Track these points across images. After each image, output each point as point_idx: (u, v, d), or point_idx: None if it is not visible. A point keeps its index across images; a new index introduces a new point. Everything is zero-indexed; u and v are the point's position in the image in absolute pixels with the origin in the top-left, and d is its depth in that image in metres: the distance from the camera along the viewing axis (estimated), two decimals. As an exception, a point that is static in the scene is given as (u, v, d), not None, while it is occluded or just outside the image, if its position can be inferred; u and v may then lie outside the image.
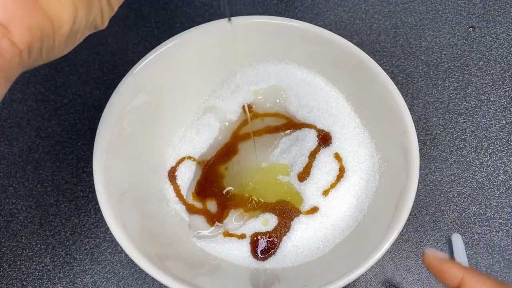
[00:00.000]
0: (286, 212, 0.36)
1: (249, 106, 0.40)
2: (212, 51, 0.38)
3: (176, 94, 0.38)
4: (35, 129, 0.42)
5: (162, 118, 0.38)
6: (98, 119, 0.33)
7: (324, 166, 0.37)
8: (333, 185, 0.36)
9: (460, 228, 0.38)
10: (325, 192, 0.36)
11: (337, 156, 0.37)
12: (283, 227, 0.35)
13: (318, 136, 0.38)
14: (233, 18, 0.38)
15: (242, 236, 0.36)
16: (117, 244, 0.38)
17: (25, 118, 0.43)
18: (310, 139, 0.38)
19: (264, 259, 0.35)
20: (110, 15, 0.27)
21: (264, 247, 0.35)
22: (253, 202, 0.37)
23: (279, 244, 0.35)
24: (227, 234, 0.36)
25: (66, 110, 0.43)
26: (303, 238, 0.35)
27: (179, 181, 0.37)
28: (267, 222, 0.36)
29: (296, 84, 0.40)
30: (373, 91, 0.36)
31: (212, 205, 0.37)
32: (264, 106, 0.40)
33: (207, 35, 0.37)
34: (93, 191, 0.38)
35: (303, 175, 0.37)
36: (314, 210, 0.36)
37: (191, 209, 0.36)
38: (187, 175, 0.38)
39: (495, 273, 0.37)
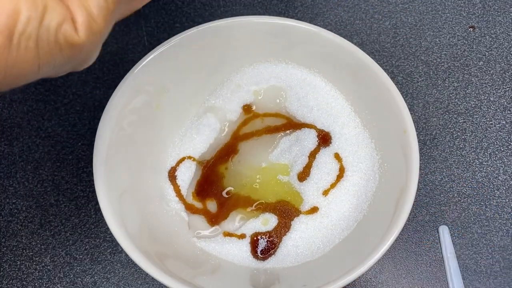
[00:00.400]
0: (286, 212, 0.36)
1: (249, 106, 0.40)
2: (212, 51, 0.38)
3: (176, 94, 0.38)
4: (35, 129, 0.42)
5: (162, 118, 0.38)
6: (98, 119, 0.33)
7: (324, 166, 0.37)
8: (333, 185, 0.36)
9: (460, 228, 0.38)
10: (325, 192, 0.36)
11: (337, 156, 0.37)
12: (283, 227, 0.35)
13: (318, 136, 0.38)
14: (233, 18, 0.38)
15: (242, 236, 0.36)
16: (117, 244, 0.38)
17: (25, 118, 0.43)
18: (310, 139, 0.38)
19: (264, 259, 0.35)
20: (93, 25, 0.20)
21: (264, 247, 0.35)
22: (253, 202, 0.37)
23: (279, 244, 0.35)
24: (227, 234, 0.36)
25: (66, 110, 0.43)
26: (303, 238, 0.35)
27: (179, 181, 0.37)
28: (267, 222, 0.36)
29: (296, 84, 0.40)
30: (373, 91, 0.36)
31: (212, 205, 0.37)
32: (264, 106, 0.40)
33: (207, 35, 0.37)
34: (93, 191, 0.38)
35: (303, 175, 0.37)
36: (314, 210, 0.36)
37: (191, 209, 0.36)
38: (187, 175, 0.38)
39: (495, 273, 0.37)
